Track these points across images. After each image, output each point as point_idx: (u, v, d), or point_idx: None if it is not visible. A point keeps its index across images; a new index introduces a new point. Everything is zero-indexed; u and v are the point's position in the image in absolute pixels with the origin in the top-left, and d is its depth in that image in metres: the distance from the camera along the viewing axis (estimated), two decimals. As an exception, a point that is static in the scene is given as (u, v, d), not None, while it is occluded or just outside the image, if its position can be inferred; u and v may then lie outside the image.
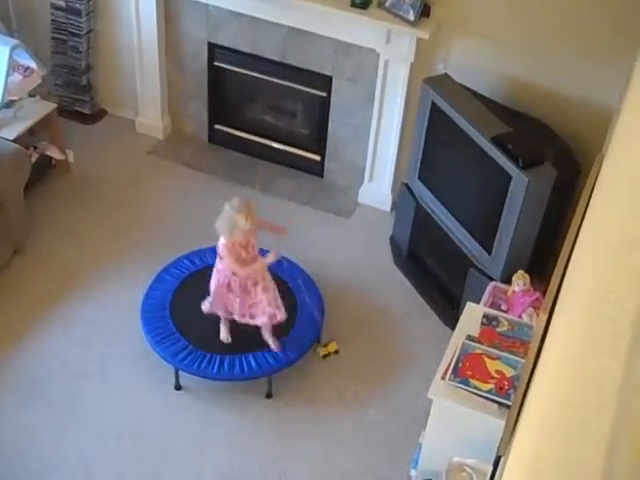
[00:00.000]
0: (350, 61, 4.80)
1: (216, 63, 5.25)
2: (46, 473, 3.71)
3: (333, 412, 4.08)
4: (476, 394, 3.00)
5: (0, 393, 4.00)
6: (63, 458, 3.77)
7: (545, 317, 2.00)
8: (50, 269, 4.64)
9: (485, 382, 3.02)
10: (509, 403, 2.87)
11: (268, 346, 4.00)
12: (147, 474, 3.75)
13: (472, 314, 3.35)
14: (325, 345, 4.30)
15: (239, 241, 3.75)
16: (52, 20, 5.36)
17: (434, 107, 4.19)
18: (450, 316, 4.35)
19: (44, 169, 5.10)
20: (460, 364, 3.08)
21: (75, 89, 5.59)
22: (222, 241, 3.75)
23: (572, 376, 1.30)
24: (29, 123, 4.86)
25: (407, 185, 4.64)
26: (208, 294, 4.02)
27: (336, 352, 4.29)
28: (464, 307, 3.45)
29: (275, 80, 5.12)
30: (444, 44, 4.50)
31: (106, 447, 3.84)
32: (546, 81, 4.35)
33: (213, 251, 4.21)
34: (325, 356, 4.27)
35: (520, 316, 3.63)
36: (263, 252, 3.98)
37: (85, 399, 4.02)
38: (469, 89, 4.27)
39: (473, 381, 3.03)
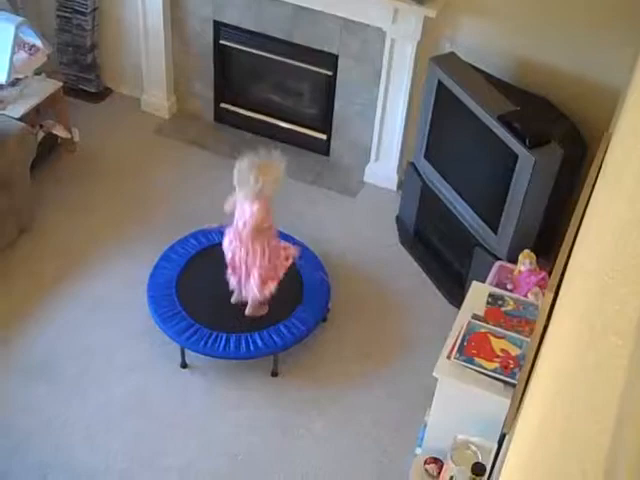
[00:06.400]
0: (356, 40, 4.78)
1: (222, 41, 5.22)
2: (52, 449, 3.74)
3: (338, 390, 4.09)
4: (481, 373, 3.01)
5: (7, 370, 4.03)
6: (69, 434, 3.80)
7: (551, 296, 2.01)
8: (56, 248, 4.65)
9: (490, 361, 3.04)
10: (514, 382, 2.87)
11: (274, 324, 4.01)
12: (152, 450, 3.78)
13: (478, 293, 3.36)
14: None
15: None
16: (57, -2, 5.35)
17: (440, 86, 4.17)
18: (456, 295, 4.35)
19: (50, 147, 5.10)
20: (465, 343, 3.09)
21: (80, 67, 5.57)
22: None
23: (577, 355, 1.31)
24: (35, 101, 4.85)
25: (413, 164, 4.63)
26: (214, 272, 4.03)
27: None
28: (470, 286, 3.45)
29: (281, 59, 5.10)
30: (451, 22, 4.47)
31: (111, 423, 3.86)
32: (553, 59, 4.32)
33: (219, 230, 4.22)
34: None
35: (526, 295, 3.63)
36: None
37: (91, 376, 4.05)
38: (476, 67, 4.25)
39: (478, 360, 3.04)
